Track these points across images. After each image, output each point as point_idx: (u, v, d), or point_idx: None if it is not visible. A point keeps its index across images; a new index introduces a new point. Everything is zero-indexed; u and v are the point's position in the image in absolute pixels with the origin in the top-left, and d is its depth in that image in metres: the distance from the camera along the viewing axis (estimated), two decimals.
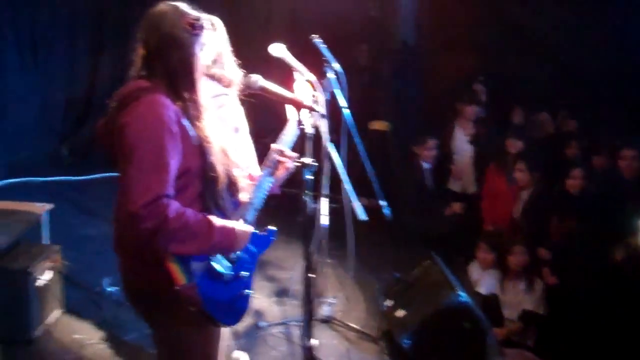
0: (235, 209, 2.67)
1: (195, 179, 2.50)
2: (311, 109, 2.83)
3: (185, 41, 2.50)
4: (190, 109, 2.50)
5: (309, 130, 2.91)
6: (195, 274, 2.47)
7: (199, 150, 2.49)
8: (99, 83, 8.33)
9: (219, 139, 2.58)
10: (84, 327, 4.50)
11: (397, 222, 4.49)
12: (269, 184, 2.80)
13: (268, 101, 2.96)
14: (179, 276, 2.43)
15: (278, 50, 3.62)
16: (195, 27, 2.53)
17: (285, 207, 5.73)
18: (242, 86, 2.89)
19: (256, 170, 3.08)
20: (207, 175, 2.51)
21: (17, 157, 7.64)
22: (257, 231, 2.76)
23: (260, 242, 2.77)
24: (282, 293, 5.18)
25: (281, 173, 2.88)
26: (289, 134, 2.92)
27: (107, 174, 6.58)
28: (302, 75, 3.61)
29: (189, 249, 2.42)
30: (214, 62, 3.26)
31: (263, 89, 2.76)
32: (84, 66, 8.39)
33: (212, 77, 3.26)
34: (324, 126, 3.23)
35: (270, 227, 2.87)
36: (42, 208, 4.85)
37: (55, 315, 4.50)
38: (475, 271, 5.30)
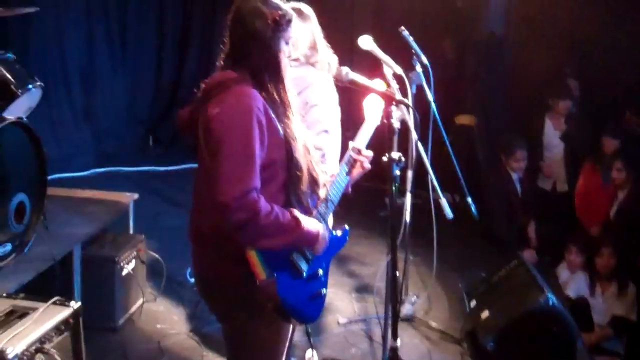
0: (314, 204, 2.63)
1: (280, 171, 2.48)
2: (402, 103, 2.74)
3: (270, 37, 2.47)
4: (275, 103, 2.48)
5: (396, 124, 2.82)
6: (275, 269, 2.43)
7: (284, 144, 2.47)
8: (185, 75, 8.45)
9: (302, 135, 2.55)
10: (166, 317, 4.56)
11: (483, 220, 4.36)
12: (344, 182, 2.75)
13: (352, 94, 2.91)
14: (260, 271, 2.41)
15: (366, 42, 3.56)
16: (280, 22, 2.48)
17: (366, 200, 5.74)
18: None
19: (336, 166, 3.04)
20: (292, 170, 2.49)
21: (105, 147, 7.84)
22: (333, 231, 2.73)
23: (335, 242, 2.74)
24: (362, 289, 5.10)
25: (357, 172, 2.82)
26: (367, 130, 2.86)
27: (192, 165, 6.65)
28: (390, 68, 3.54)
29: (274, 244, 2.40)
30: (310, 49, 3.23)
31: (352, 81, 2.69)
32: (172, 58, 8.52)
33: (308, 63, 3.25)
34: (411, 120, 3.15)
35: (345, 227, 2.83)
36: (129, 197, 4.94)
37: (138, 304, 4.57)
38: (564, 273, 5.10)
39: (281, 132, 2.45)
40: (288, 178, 2.49)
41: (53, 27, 7.20)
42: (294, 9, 3.15)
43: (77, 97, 7.67)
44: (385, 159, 2.72)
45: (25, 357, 2.91)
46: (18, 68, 4.17)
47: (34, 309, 3.20)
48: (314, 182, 2.61)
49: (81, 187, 5.40)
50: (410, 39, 4.19)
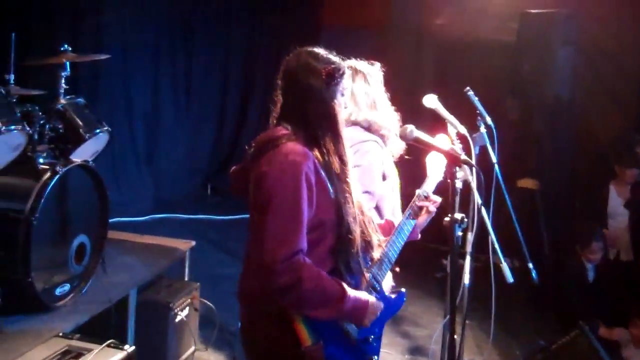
0: (367, 266, 2.57)
1: (328, 234, 2.41)
2: (466, 163, 2.70)
3: (322, 92, 2.44)
4: (328, 161, 2.43)
5: (459, 184, 2.79)
6: (322, 335, 2.37)
7: (335, 204, 2.41)
8: (246, 127, 8.57)
9: (356, 195, 2.50)
10: None
11: (542, 287, 4.23)
12: (409, 228, 2.72)
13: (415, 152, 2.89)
14: (305, 336, 2.35)
15: (431, 101, 3.54)
16: (333, 76, 2.45)
17: (423, 261, 5.65)
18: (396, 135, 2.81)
19: (398, 218, 3.00)
20: (342, 233, 2.41)
21: (164, 193, 7.96)
22: (388, 294, 2.66)
23: (390, 306, 2.66)
24: (416, 351, 4.98)
25: (424, 218, 2.80)
26: (430, 184, 2.85)
27: (247, 216, 6.67)
28: (455, 127, 3.51)
29: (318, 314, 2.34)
30: (369, 107, 3.23)
31: (417, 139, 2.67)
32: (233, 110, 8.67)
33: (361, 124, 3.24)
34: (474, 182, 3.10)
35: (401, 290, 2.77)
36: (186, 245, 4.98)
37: (189, 352, 4.54)
38: (628, 348, 4.89)
39: (332, 192, 2.40)
40: (337, 241, 2.43)
41: (121, 73, 7.43)
42: (352, 67, 3.19)
43: (140, 143, 7.85)
44: (447, 219, 2.67)
45: None
46: (87, 113, 4.30)
47: (89, 350, 3.24)
48: (367, 245, 2.55)
49: (139, 231, 5.46)
50: (475, 99, 4.15)
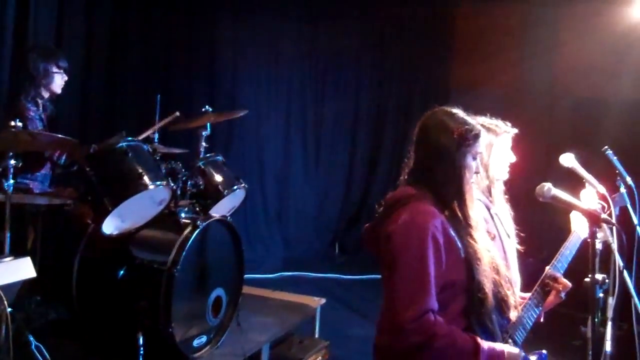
0: (503, 327, 2.51)
1: (459, 295, 2.38)
2: (607, 222, 2.61)
3: (453, 153, 2.43)
4: (457, 220, 2.42)
5: (599, 245, 2.69)
6: None
7: (465, 265, 2.37)
8: (374, 188, 8.60)
9: (488, 254, 2.45)
10: None
11: None
12: (537, 309, 2.65)
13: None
14: None
15: (568, 160, 3.47)
16: (466, 137, 2.44)
17: (559, 327, 5.40)
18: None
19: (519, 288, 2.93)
20: (474, 292, 2.37)
21: (293, 251, 8.10)
22: (527, 355, 2.56)
23: None
24: None
25: (551, 300, 2.70)
26: (566, 255, 2.76)
27: (376, 276, 6.65)
28: (594, 187, 3.41)
29: None
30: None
31: (555, 197, 2.61)
32: (362, 170, 8.76)
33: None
34: (615, 243, 2.99)
35: (543, 352, 2.67)
36: (317, 302, 5.04)
37: None
38: None
39: (462, 251, 2.37)
40: (470, 299, 2.39)
41: (254, 132, 7.74)
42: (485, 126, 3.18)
43: (271, 201, 8.08)
44: (587, 280, 2.58)
45: None
46: (226, 170, 4.51)
47: None
48: (502, 305, 2.49)
49: (269, 288, 5.58)
50: (614, 158, 4.02)
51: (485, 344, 2.33)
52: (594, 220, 2.57)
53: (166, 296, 3.68)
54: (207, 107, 4.65)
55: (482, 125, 3.23)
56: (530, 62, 7.60)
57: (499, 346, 2.39)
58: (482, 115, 3.25)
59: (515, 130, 3.28)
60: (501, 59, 7.51)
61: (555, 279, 2.67)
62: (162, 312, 3.70)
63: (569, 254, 2.90)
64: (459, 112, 2.54)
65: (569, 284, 2.71)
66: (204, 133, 4.63)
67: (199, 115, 4.66)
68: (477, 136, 2.48)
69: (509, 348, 2.41)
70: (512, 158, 3.24)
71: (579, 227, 2.83)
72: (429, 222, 2.33)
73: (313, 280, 7.53)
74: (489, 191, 3.15)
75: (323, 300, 5.10)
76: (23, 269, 2.89)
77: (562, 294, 2.73)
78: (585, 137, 6.64)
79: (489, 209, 3.06)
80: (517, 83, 7.65)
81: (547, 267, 2.70)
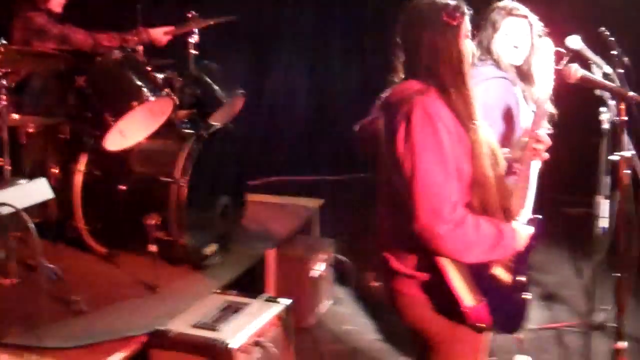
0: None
1: (464, 186, 2.35)
2: (636, 99, 2.62)
3: (445, 36, 2.34)
4: (460, 108, 2.35)
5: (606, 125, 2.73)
6: (482, 290, 2.34)
7: (470, 154, 2.34)
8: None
9: (488, 140, 2.41)
10: (354, 319, 4.63)
11: None
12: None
13: None
14: (466, 296, 2.32)
15: (575, 42, 3.45)
16: (454, 17, 2.34)
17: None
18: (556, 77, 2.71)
19: None
20: (478, 181, 2.35)
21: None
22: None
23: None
24: (548, 297, 4.93)
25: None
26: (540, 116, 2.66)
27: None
28: (600, 68, 3.44)
29: (483, 253, 2.30)
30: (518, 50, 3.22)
31: (583, 78, 2.60)
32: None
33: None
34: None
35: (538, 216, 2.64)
36: (316, 203, 5.11)
37: (327, 305, 4.69)
38: None
39: (467, 140, 2.34)
40: (476, 189, 2.36)
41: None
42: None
43: None
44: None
45: (245, 350, 3.08)
46: (222, 77, 4.38)
47: (246, 304, 3.38)
48: (504, 194, 2.47)
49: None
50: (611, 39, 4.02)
51: (498, 222, 2.35)
52: (621, 97, 2.61)
53: (177, 207, 3.69)
54: (193, 12, 4.47)
55: (493, 7, 3.25)
56: None
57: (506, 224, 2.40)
58: None
59: (527, 16, 3.27)
60: None
61: (536, 138, 2.61)
62: (174, 224, 3.71)
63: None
64: None
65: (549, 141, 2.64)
66: (191, 40, 4.46)
67: (184, 22, 4.49)
68: (463, 14, 2.38)
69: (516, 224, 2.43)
70: (523, 45, 3.23)
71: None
72: (440, 115, 2.29)
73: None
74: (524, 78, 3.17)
75: (321, 201, 5.16)
76: (40, 190, 2.86)
77: (545, 155, 2.65)
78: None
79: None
80: None
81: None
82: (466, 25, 2.40)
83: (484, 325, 2.36)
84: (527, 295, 2.58)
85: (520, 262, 2.51)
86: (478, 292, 2.33)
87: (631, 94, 2.63)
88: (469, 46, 2.42)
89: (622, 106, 2.61)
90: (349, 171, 7.47)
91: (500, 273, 2.44)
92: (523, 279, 2.54)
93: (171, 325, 3.16)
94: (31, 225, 2.71)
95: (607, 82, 2.68)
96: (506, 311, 2.47)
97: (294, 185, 7.31)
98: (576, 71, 2.60)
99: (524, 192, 2.59)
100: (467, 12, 2.41)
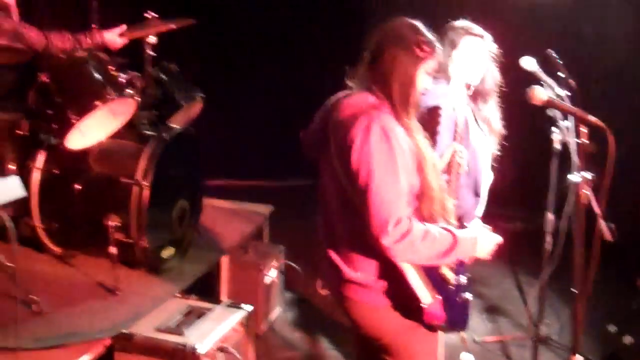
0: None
1: (413, 198, 2.46)
2: (597, 124, 2.75)
3: (407, 59, 2.43)
4: (408, 125, 2.46)
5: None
6: (436, 288, 2.47)
7: (419, 167, 2.45)
8: None
9: (431, 156, 2.51)
10: (303, 326, 4.67)
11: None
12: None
13: None
14: (424, 294, 2.45)
15: (529, 63, 3.61)
16: (421, 49, 2.44)
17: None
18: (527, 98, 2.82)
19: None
20: (424, 192, 2.47)
21: None
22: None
23: None
24: (491, 310, 5.09)
25: None
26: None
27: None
28: (552, 90, 3.58)
29: (436, 258, 2.40)
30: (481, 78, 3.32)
31: (549, 101, 2.72)
32: None
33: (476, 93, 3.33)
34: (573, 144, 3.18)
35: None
36: (266, 209, 5.12)
37: (278, 311, 4.71)
38: None
39: (415, 156, 2.44)
40: (422, 201, 2.47)
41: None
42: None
43: None
44: None
45: (210, 355, 3.08)
46: (182, 79, 4.36)
47: (209, 310, 3.37)
48: (443, 206, 2.56)
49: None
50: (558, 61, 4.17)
51: (453, 229, 2.45)
52: (583, 122, 2.69)
53: (138, 209, 3.64)
54: (151, 12, 4.38)
55: (450, 26, 3.34)
56: None
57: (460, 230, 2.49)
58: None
59: (483, 35, 3.37)
60: None
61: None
62: (134, 226, 3.67)
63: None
64: (419, 24, 2.51)
65: None
66: (149, 40, 4.38)
67: (143, 24, 4.41)
68: (432, 51, 2.47)
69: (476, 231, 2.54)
70: (480, 64, 3.33)
71: None
72: (395, 132, 2.37)
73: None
74: (476, 97, 3.27)
75: (271, 207, 5.17)
76: (12, 189, 2.78)
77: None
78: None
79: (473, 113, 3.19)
80: None
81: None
82: (430, 64, 2.47)
83: (440, 322, 2.48)
84: (469, 296, 2.67)
85: (459, 263, 2.60)
86: (433, 290, 2.46)
87: (592, 118, 2.69)
88: (423, 81, 2.49)
89: (584, 129, 2.69)
90: (294, 177, 7.47)
91: (447, 273, 2.56)
92: (464, 279, 2.65)
93: (135, 328, 3.13)
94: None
95: (571, 106, 2.79)
96: (453, 310, 2.57)
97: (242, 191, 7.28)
98: (540, 94, 2.67)
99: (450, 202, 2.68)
100: (437, 51, 2.48)
